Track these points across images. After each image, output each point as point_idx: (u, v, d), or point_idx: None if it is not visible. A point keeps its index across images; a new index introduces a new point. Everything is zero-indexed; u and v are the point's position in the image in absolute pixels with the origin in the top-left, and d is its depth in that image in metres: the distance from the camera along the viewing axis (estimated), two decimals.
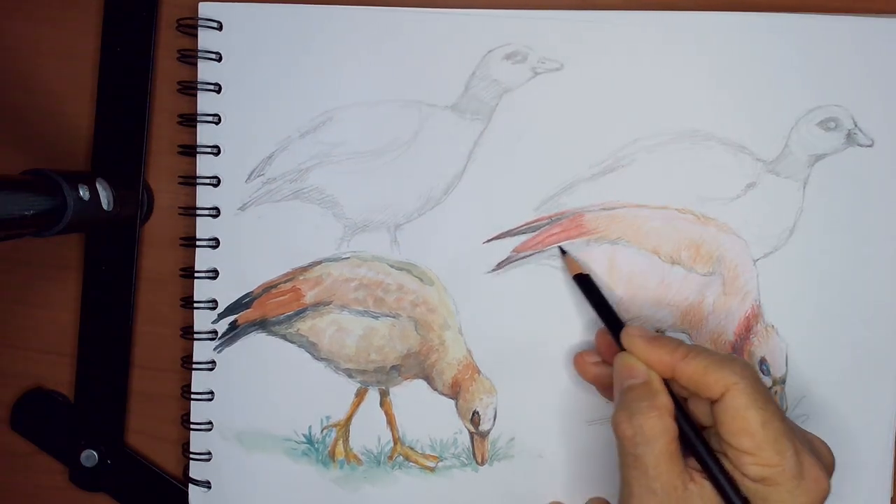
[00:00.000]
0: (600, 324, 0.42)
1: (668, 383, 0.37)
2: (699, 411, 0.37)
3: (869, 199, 0.43)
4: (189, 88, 0.45)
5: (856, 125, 0.43)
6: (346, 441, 0.46)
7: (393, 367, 0.46)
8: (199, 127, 0.45)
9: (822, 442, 0.38)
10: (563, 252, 0.44)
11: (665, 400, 0.36)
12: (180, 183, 0.46)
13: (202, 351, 0.46)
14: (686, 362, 0.36)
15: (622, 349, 0.39)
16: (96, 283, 0.47)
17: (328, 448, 0.46)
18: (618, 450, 0.36)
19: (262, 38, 0.45)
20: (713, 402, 0.36)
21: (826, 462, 0.36)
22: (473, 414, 0.45)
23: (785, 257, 0.44)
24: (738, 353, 0.44)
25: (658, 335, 0.39)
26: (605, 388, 0.42)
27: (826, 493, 0.35)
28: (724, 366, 0.35)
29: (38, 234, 0.39)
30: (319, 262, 0.45)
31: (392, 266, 0.45)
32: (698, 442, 0.36)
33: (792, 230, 0.44)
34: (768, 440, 0.34)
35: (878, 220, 0.44)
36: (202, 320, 0.46)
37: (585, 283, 0.43)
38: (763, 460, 0.34)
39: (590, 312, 0.44)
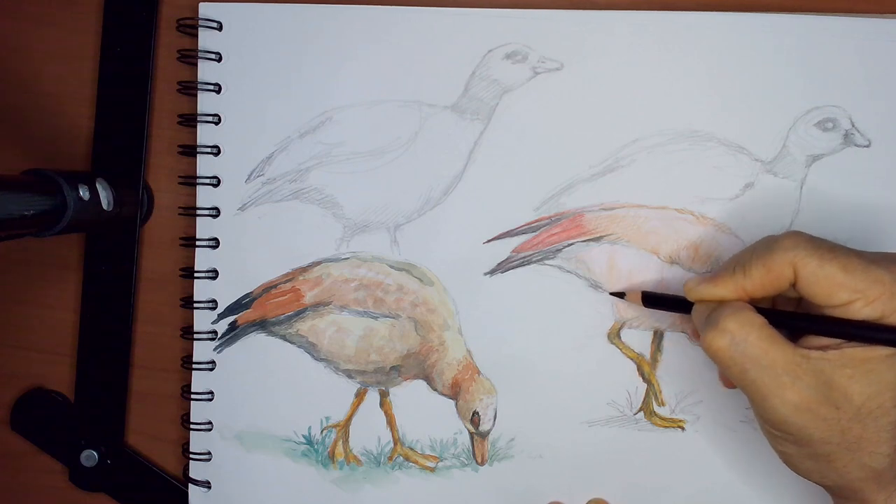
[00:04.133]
0: (597, 327, 0.42)
1: None
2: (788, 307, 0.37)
3: (866, 200, 0.44)
4: (189, 88, 0.45)
5: (853, 126, 0.43)
6: (345, 441, 0.46)
7: (393, 368, 0.46)
8: (199, 127, 0.45)
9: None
10: (620, 295, 0.44)
11: (738, 302, 0.36)
12: (180, 183, 0.46)
13: (202, 351, 0.46)
14: (749, 276, 0.36)
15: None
16: (96, 283, 0.47)
17: (328, 448, 0.46)
18: (723, 369, 0.36)
19: (262, 38, 0.45)
20: (794, 287, 0.35)
21: None
22: (473, 414, 0.45)
23: None
24: None
25: (713, 271, 0.38)
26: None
27: None
28: (777, 249, 0.35)
29: (38, 234, 0.39)
30: (319, 263, 0.46)
31: (392, 266, 0.45)
32: (796, 319, 0.36)
33: (789, 230, 0.44)
34: (858, 279, 0.34)
35: (875, 220, 0.44)
36: (202, 320, 0.46)
37: (654, 298, 0.42)
38: (869, 297, 0.33)
39: (591, 315, 0.44)
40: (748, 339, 0.35)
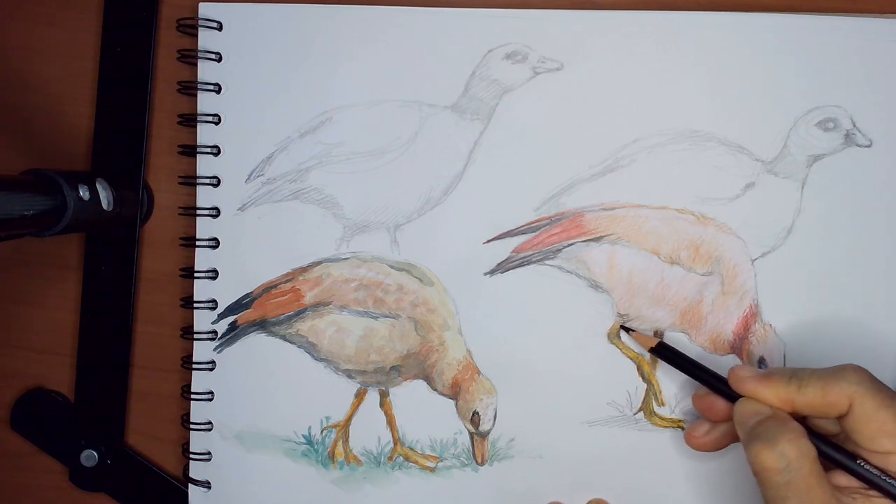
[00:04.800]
0: (597, 327, 0.42)
1: None
2: (821, 425, 0.37)
3: (867, 200, 0.44)
4: (189, 88, 0.45)
5: (854, 126, 0.43)
6: (345, 441, 0.46)
7: (393, 368, 0.46)
8: (199, 127, 0.45)
9: None
10: (628, 330, 0.44)
11: (796, 424, 0.36)
12: (180, 183, 0.46)
13: (202, 351, 0.46)
14: (802, 392, 0.36)
15: (731, 399, 0.39)
16: (96, 283, 0.47)
17: (328, 448, 0.46)
18: (761, 484, 0.35)
19: (262, 38, 0.45)
20: (840, 418, 0.35)
21: None
22: (473, 414, 0.45)
23: (783, 257, 0.44)
24: (736, 353, 0.44)
25: (766, 371, 0.38)
26: (728, 444, 0.41)
27: None
28: (839, 378, 0.35)
29: (38, 234, 0.39)
30: (319, 263, 0.46)
31: (392, 266, 0.45)
32: (842, 455, 0.36)
33: (790, 230, 0.44)
34: None
35: (876, 220, 0.44)
36: (202, 320, 0.46)
37: (666, 352, 0.42)
38: None
39: (590, 315, 0.44)
40: (801, 470, 0.34)
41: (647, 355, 0.44)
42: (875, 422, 0.34)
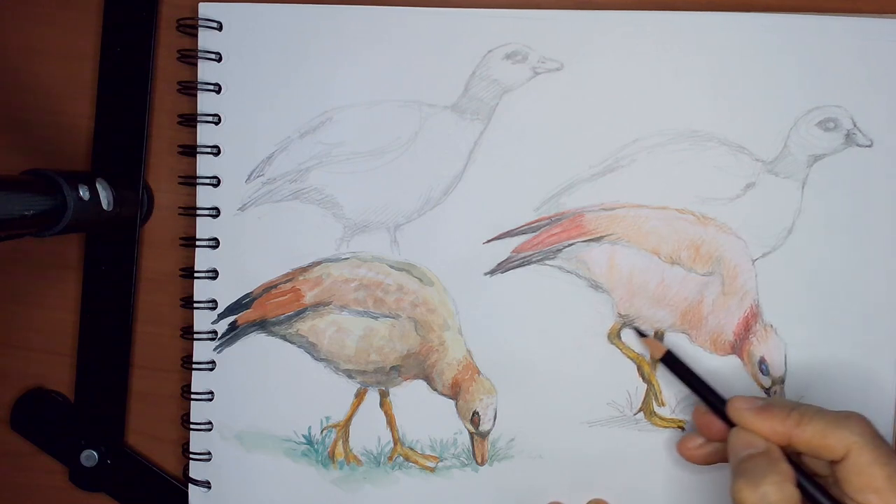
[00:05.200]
0: (597, 327, 0.42)
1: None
2: (813, 464, 0.37)
3: (868, 200, 0.43)
4: (189, 88, 0.45)
5: (855, 125, 0.43)
6: (345, 441, 0.46)
7: (393, 368, 0.46)
8: (199, 127, 0.45)
9: None
10: (642, 334, 0.44)
11: (786, 467, 0.36)
12: (180, 183, 0.46)
13: (202, 351, 0.46)
14: (801, 429, 0.36)
15: (729, 424, 0.38)
16: (96, 283, 0.47)
17: (328, 448, 0.46)
18: None
19: (262, 38, 0.45)
20: (834, 463, 0.35)
21: None
22: (473, 414, 0.45)
23: (783, 257, 0.44)
24: (737, 353, 0.44)
25: (766, 403, 0.38)
26: (718, 462, 0.41)
27: None
28: (842, 425, 0.35)
29: (38, 234, 0.39)
30: (319, 263, 0.46)
31: (392, 266, 0.45)
32: (828, 501, 0.36)
33: (790, 230, 0.44)
34: (894, 494, 0.34)
35: (876, 220, 0.44)
36: (202, 320, 0.46)
37: (673, 363, 0.42)
38: None
39: (590, 315, 0.44)
40: None
41: (647, 355, 0.44)
42: (867, 476, 0.34)
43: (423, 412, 0.46)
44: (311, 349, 0.46)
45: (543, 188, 0.44)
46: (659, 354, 0.43)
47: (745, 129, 0.44)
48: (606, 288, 0.44)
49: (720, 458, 0.40)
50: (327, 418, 0.46)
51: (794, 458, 0.37)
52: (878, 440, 0.35)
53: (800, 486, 0.35)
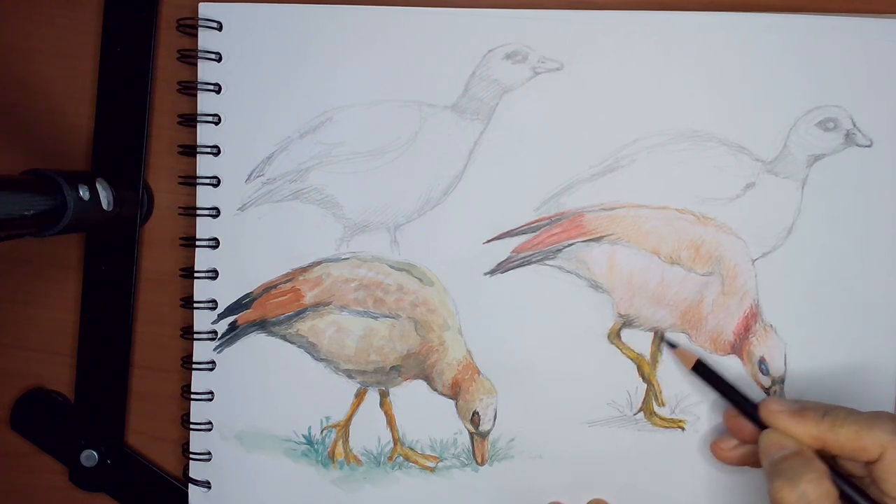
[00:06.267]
0: (597, 327, 0.42)
1: None
2: (848, 465, 0.37)
3: (867, 200, 0.44)
4: (189, 88, 0.45)
5: (854, 125, 0.43)
6: (345, 441, 0.46)
7: (393, 368, 0.46)
8: (199, 127, 0.45)
9: None
10: (673, 346, 0.44)
11: (821, 465, 0.36)
12: (180, 183, 0.46)
13: (202, 351, 0.46)
14: (835, 431, 0.36)
15: (761, 426, 0.39)
16: (96, 283, 0.47)
17: (328, 448, 0.46)
18: None
19: (262, 38, 0.45)
20: (869, 464, 0.35)
21: None
22: (473, 414, 0.45)
23: (783, 257, 0.44)
24: (737, 353, 0.44)
25: (800, 406, 0.38)
26: (751, 465, 0.42)
27: None
28: (875, 426, 0.35)
29: (38, 234, 0.39)
30: (319, 263, 0.46)
31: (392, 266, 0.45)
32: (866, 501, 0.36)
33: (790, 230, 0.44)
34: None
35: (876, 219, 0.44)
36: (202, 320, 0.46)
37: (704, 371, 0.42)
38: None
39: (590, 315, 0.44)
40: None
41: (647, 355, 0.44)
42: None
43: (423, 412, 0.46)
44: (311, 349, 0.46)
45: (543, 188, 0.44)
46: (690, 364, 0.43)
47: (745, 129, 0.44)
48: (606, 288, 0.44)
49: (754, 460, 0.41)
50: (327, 418, 0.46)
51: (828, 460, 0.37)
52: None
53: (837, 488, 0.35)
